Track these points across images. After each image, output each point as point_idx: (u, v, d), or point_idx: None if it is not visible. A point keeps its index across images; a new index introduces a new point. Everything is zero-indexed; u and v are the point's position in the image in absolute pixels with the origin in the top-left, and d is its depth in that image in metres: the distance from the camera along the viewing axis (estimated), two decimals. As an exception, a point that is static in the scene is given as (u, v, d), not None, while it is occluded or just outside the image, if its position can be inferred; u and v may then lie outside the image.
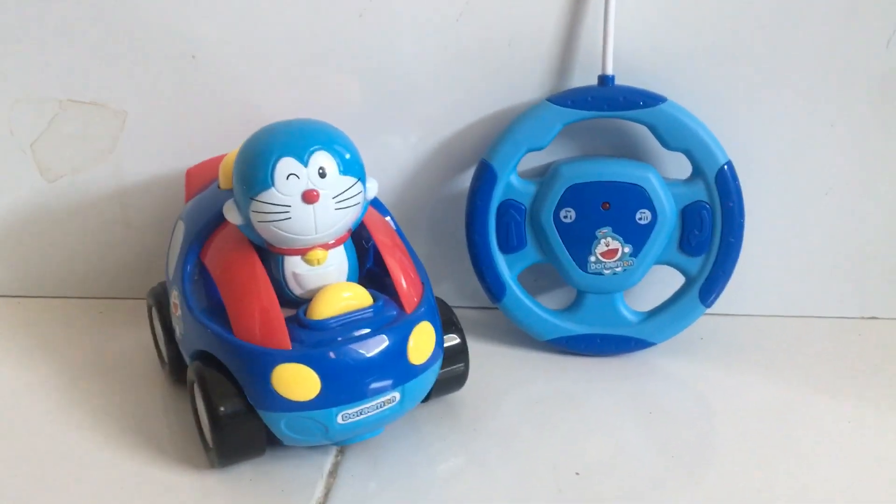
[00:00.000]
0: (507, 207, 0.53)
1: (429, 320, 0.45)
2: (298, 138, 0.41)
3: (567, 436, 0.48)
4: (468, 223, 0.54)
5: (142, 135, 0.58)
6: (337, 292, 0.43)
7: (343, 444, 0.46)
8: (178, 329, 0.47)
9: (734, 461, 0.46)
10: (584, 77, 0.54)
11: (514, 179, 0.53)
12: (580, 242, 0.52)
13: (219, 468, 0.44)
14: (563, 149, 0.56)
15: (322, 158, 0.41)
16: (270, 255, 0.44)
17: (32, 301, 0.63)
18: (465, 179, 0.58)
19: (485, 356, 0.54)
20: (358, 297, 0.44)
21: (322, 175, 0.41)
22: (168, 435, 0.48)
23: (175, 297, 0.47)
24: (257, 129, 0.43)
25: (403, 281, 0.45)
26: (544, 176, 0.53)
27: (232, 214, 0.43)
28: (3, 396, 0.52)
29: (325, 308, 0.43)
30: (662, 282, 0.55)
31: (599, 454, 0.47)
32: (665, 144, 0.51)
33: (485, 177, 0.53)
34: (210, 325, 0.43)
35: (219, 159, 0.52)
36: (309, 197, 0.41)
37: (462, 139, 0.57)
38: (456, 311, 0.49)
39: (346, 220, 0.43)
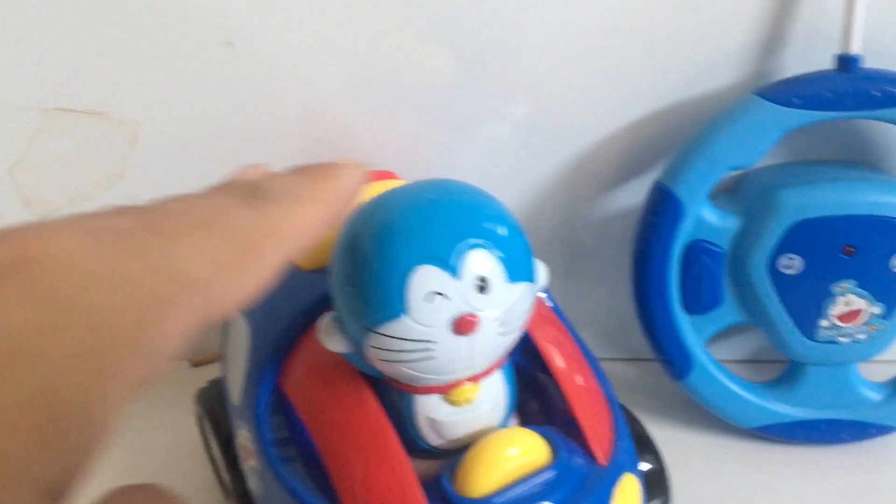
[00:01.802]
0: (697, 252, 0.38)
1: (632, 470, 0.30)
2: (441, 230, 0.26)
3: None
4: (639, 272, 0.38)
5: (162, 151, 0.42)
6: (499, 450, 0.28)
7: None
8: (253, 482, 0.32)
9: None
10: (807, 57, 0.37)
11: (707, 213, 0.37)
12: (808, 301, 0.37)
13: None
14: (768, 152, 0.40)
15: (481, 261, 0.26)
16: (392, 388, 0.29)
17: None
18: (617, 198, 0.43)
19: (659, 444, 0.39)
20: (530, 452, 0.29)
21: (482, 289, 0.26)
22: None
23: (246, 439, 0.32)
24: (367, 203, 0.27)
25: (589, 410, 0.31)
26: (749, 202, 0.38)
27: (333, 340, 0.27)
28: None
29: (485, 478, 0.28)
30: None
31: None
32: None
33: (664, 209, 0.37)
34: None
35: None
36: (464, 326, 0.26)
37: (612, 144, 0.41)
38: (604, 365, 0.34)
39: (511, 343, 0.28)
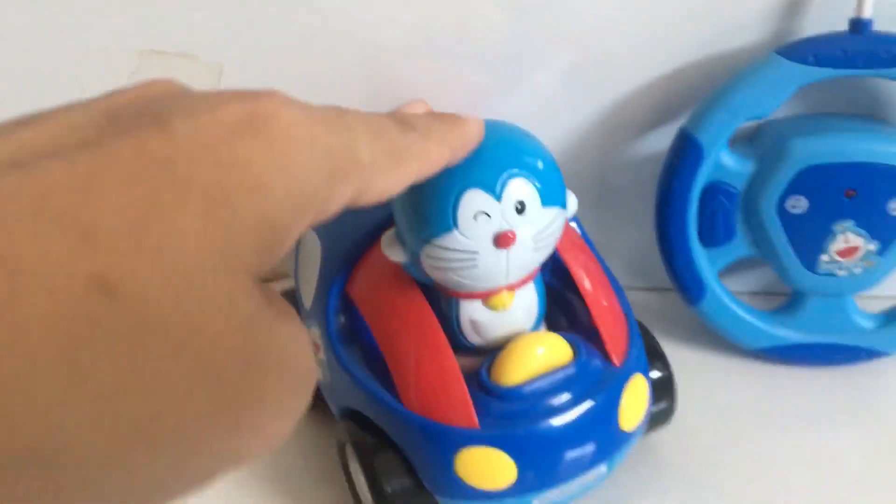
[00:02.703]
0: (714, 192, 0.42)
1: (641, 371, 0.36)
2: (487, 161, 0.31)
3: (779, 468, 0.40)
4: (661, 209, 0.43)
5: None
6: (528, 349, 0.34)
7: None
8: (321, 374, 0.38)
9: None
10: (825, 20, 0.41)
11: (725, 157, 0.42)
12: (810, 238, 0.42)
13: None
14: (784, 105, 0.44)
15: (520, 188, 0.31)
16: (440, 295, 0.35)
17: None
18: (646, 143, 0.47)
19: (673, 362, 0.44)
20: (555, 352, 0.34)
21: (520, 211, 0.31)
22: (309, 484, 0.40)
23: (316, 337, 0.38)
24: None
25: (608, 320, 0.36)
26: (763, 149, 0.42)
27: (394, 252, 0.33)
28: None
29: (516, 371, 0.33)
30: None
31: (821, 488, 0.39)
32: (934, 110, 0.39)
33: (687, 153, 0.42)
34: (371, 389, 0.34)
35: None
36: (503, 241, 0.31)
37: (646, 94, 0.46)
38: (628, 293, 0.39)
39: (543, 258, 0.33)
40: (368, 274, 0.36)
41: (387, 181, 0.23)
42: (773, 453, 0.41)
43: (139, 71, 0.47)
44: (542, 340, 0.34)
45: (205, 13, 0.45)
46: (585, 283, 0.37)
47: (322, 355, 0.37)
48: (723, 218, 0.43)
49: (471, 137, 0.28)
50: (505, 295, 0.34)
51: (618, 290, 0.38)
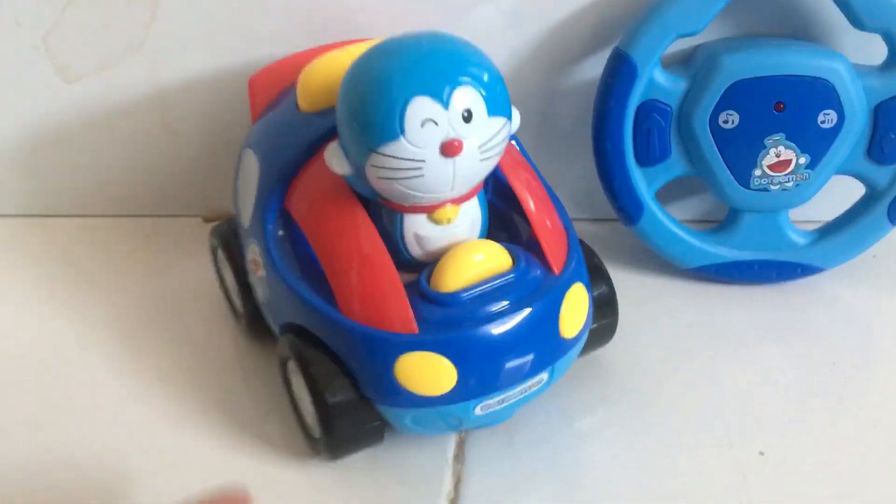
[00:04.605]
0: (648, 110, 0.43)
1: (581, 280, 0.37)
2: (435, 68, 0.31)
3: (720, 382, 0.41)
4: (597, 129, 0.44)
5: (180, 23, 0.47)
6: (467, 256, 0.35)
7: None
8: (261, 292, 0.39)
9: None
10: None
11: (658, 75, 0.43)
12: (743, 153, 0.43)
13: (328, 460, 0.37)
14: (714, 26, 0.44)
15: (467, 96, 0.31)
16: (382, 209, 0.35)
17: (61, 221, 0.54)
18: (585, 69, 0.48)
19: (617, 286, 0.43)
20: (494, 259, 0.35)
21: (467, 119, 0.31)
22: (252, 408, 0.41)
23: (255, 254, 0.38)
24: (369, 49, 0.33)
25: (548, 232, 0.37)
26: (696, 68, 0.43)
27: (337, 163, 0.33)
28: (32, 351, 0.44)
29: (455, 277, 0.34)
30: (835, 192, 0.46)
31: (762, 401, 0.40)
32: (858, 24, 0.41)
33: (621, 72, 0.42)
34: (311, 301, 0.35)
35: (289, 63, 0.41)
36: (450, 149, 0.31)
37: (579, 17, 0.46)
38: (575, 224, 0.40)
39: (488, 170, 0.34)
40: (307, 188, 0.37)
41: None
42: (712, 367, 0.43)
43: (75, 3, 0.46)
44: (481, 248, 0.35)
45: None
46: (526, 198, 0.38)
47: (262, 272, 0.38)
48: (658, 136, 0.44)
49: None
50: (449, 208, 0.34)
51: (558, 207, 0.39)
